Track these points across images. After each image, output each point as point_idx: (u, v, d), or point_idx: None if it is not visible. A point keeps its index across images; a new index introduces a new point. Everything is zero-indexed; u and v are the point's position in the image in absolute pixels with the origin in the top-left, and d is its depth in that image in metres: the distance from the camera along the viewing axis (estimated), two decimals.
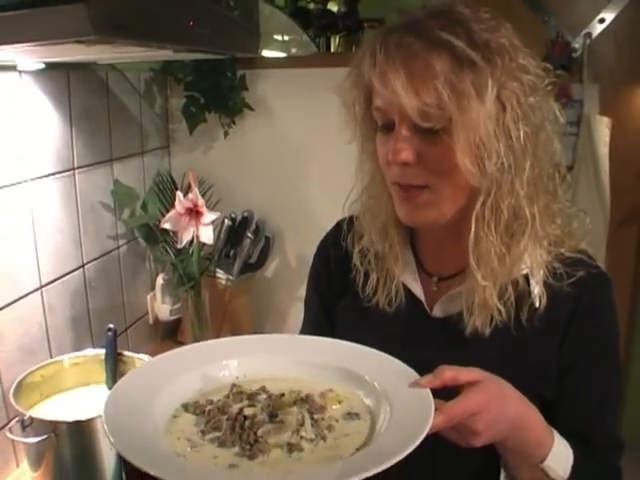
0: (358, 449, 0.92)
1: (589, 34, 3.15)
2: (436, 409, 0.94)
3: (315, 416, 0.99)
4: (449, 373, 1.00)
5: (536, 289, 1.20)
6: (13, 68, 1.61)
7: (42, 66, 1.67)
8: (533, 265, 1.20)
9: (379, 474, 0.80)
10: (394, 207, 1.24)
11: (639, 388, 3.05)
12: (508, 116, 1.09)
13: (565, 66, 3.13)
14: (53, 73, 1.78)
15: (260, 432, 0.95)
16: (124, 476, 1.40)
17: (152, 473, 0.79)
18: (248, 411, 0.99)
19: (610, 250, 3.07)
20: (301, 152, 2.51)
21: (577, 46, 3.15)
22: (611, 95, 3.17)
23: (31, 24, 0.92)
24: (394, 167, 1.15)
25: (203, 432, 0.96)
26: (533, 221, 1.15)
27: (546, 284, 1.19)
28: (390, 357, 1.09)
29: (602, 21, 3.14)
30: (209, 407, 1.01)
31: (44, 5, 0.84)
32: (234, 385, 1.07)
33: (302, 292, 1.54)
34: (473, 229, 1.15)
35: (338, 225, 1.46)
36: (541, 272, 1.20)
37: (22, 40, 0.96)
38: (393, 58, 1.09)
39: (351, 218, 1.40)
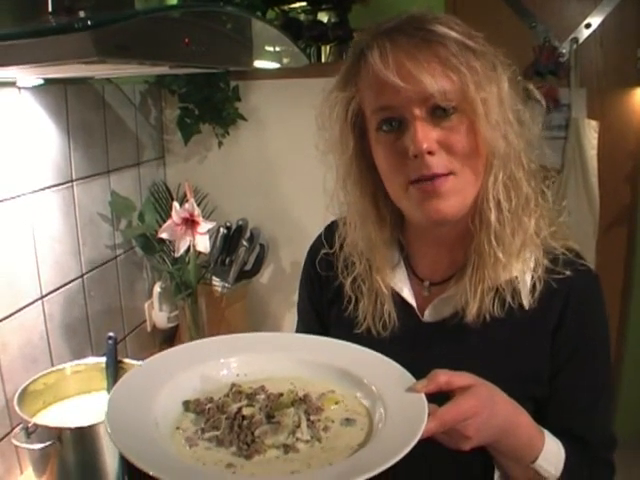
0: (352, 452, 0.93)
1: (576, 39, 3.18)
2: (429, 414, 0.94)
3: (312, 417, 1.00)
4: (443, 377, 1.00)
5: (526, 290, 1.20)
6: (12, 84, 1.64)
7: (41, 82, 1.70)
8: (523, 266, 1.20)
9: (371, 478, 0.81)
10: (380, 218, 1.27)
11: (631, 387, 3.10)
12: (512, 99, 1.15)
13: (553, 71, 3.17)
14: (51, 88, 1.81)
15: (257, 432, 0.96)
16: (126, 477, 1.44)
17: (151, 473, 0.81)
18: (246, 411, 1.00)
19: (599, 252, 3.10)
20: (293, 160, 2.54)
21: (564, 51, 3.18)
22: (598, 99, 3.21)
23: (36, 48, 0.96)
24: (414, 161, 1.11)
25: (202, 430, 0.98)
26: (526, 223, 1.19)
27: (535, 285, 1.19)
28: (388, 359, 1.10)
29: (588, 26, 3.18)
30: (209, 405, 1.02)
31: (49, 35, 0.87)
32: (234, 384, 1.08)
33: (297, 297, 1.54)
34: (479, 226, 1.18)
35: (327, 229, 1.46)
36: (530, 273, 1.20)
37: (27, 62, 1.00)
38: (397, 51, 1.10)
39: (338, 221, 1.39)
